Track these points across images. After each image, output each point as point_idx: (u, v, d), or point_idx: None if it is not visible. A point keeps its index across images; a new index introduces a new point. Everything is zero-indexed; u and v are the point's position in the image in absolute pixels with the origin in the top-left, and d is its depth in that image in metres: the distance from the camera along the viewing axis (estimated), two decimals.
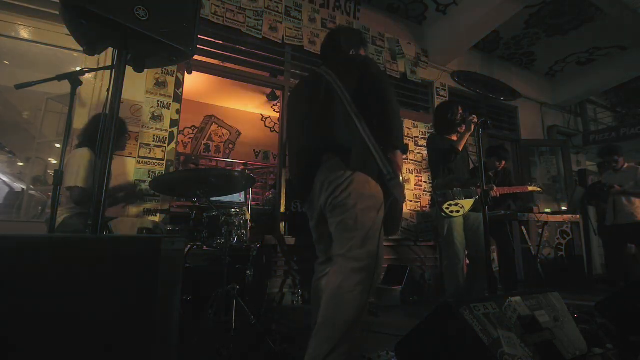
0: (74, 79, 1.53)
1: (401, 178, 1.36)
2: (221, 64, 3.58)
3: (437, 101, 4.58)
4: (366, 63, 1.44)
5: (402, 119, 1.42)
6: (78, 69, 2.97)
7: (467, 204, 2.45)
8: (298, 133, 1.53)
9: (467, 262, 2.61)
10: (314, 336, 1.19)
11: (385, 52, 4.20)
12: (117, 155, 2.39)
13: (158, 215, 2.84)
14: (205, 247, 2.14)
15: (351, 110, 1.33)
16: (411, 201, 4.13)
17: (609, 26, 4.60)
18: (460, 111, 2.58)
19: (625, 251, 4.00)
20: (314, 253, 1.54)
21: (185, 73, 3.25)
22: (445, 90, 4.72)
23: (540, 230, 3.98)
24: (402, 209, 1.46)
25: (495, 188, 2.88)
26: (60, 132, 3.32)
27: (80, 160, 1.99)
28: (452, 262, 2.42)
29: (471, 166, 2.81)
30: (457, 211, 2.42)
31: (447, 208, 2.42)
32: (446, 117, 2.61)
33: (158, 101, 3.00)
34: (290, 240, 3.28)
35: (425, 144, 4.35)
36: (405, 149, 1.39)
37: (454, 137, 2.61)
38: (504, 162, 3.58)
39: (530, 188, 3.18)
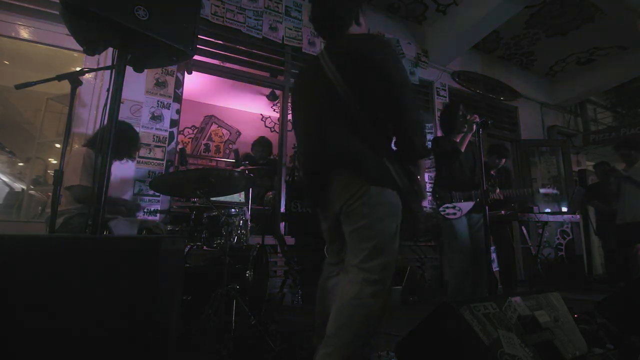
0: (74, 79, 1.53)
1: (420, 185, 1.28)
2: (221, 64, 3.58)
3: (437, 101, 4.58)
4: (373, 52, 1.22)
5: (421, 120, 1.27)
6: (78, 69, 2.98)
7: (466, 206, 2.45)
8: (304, 138, 1.41)
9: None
10: (322, 346, 1.12)
11: None
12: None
13: (158, 215, 2.85)
14: (205, 247, 2.14)
15: (358, 117, 1.21)
16: None
17: (609, 26, 4.60)
18: (462, 110, 2.59)
19: (633, 250, 3.96)
20: (314, 253, 1.53)
21: (185, 73, 3.25)
22: (445, 90, 4.72)
23: (540, 230, 3.97)
24: (421, 220, 1.36)
25: (498, 190, 2.88)
26: (60, 132, 3.32)
27: (80, 159, 1.99)
28: (457, 265, 2.40)
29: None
30: (454, 213, 2.43)
31: (444, 210, 2.44)
32: (449, 117, 2.62)
33: (158, 101, 3.00)
34: (290, 240, 3.28)
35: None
36: (428, 153, 1.28)
37: (458, 138, 2.61)
38: (504, 160, 3.58)
39: (543, 191, 3.19)
